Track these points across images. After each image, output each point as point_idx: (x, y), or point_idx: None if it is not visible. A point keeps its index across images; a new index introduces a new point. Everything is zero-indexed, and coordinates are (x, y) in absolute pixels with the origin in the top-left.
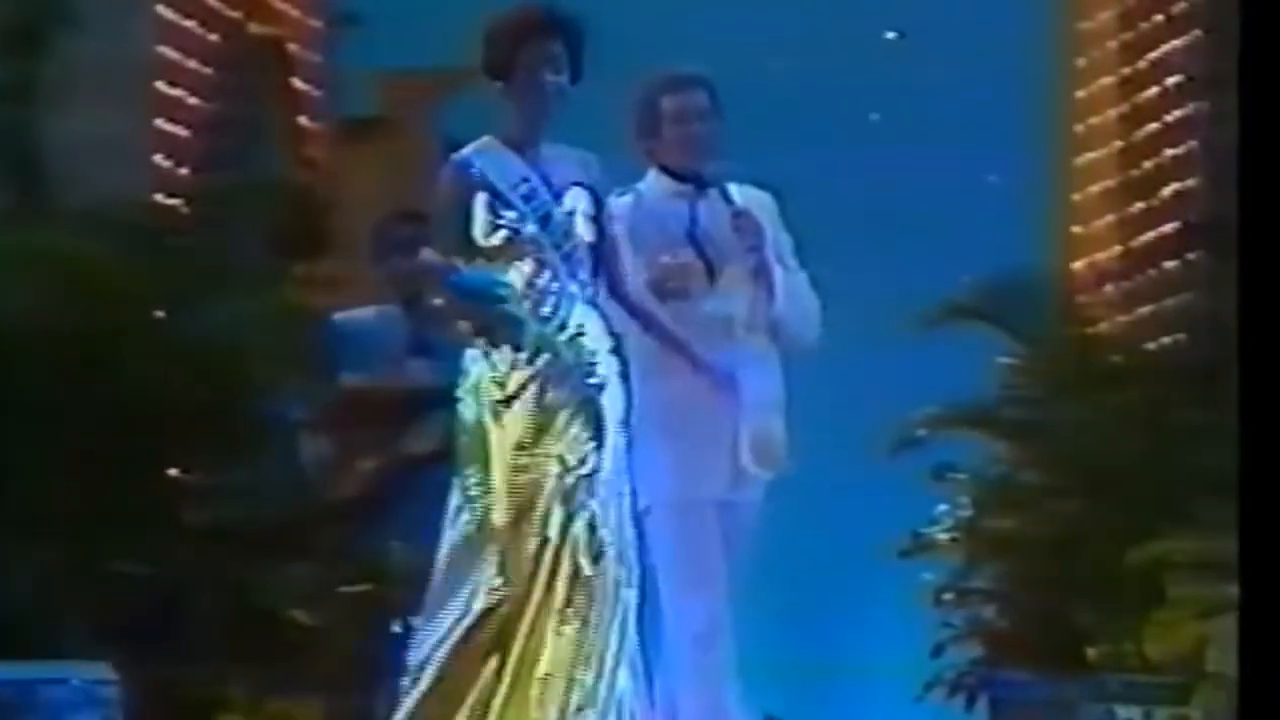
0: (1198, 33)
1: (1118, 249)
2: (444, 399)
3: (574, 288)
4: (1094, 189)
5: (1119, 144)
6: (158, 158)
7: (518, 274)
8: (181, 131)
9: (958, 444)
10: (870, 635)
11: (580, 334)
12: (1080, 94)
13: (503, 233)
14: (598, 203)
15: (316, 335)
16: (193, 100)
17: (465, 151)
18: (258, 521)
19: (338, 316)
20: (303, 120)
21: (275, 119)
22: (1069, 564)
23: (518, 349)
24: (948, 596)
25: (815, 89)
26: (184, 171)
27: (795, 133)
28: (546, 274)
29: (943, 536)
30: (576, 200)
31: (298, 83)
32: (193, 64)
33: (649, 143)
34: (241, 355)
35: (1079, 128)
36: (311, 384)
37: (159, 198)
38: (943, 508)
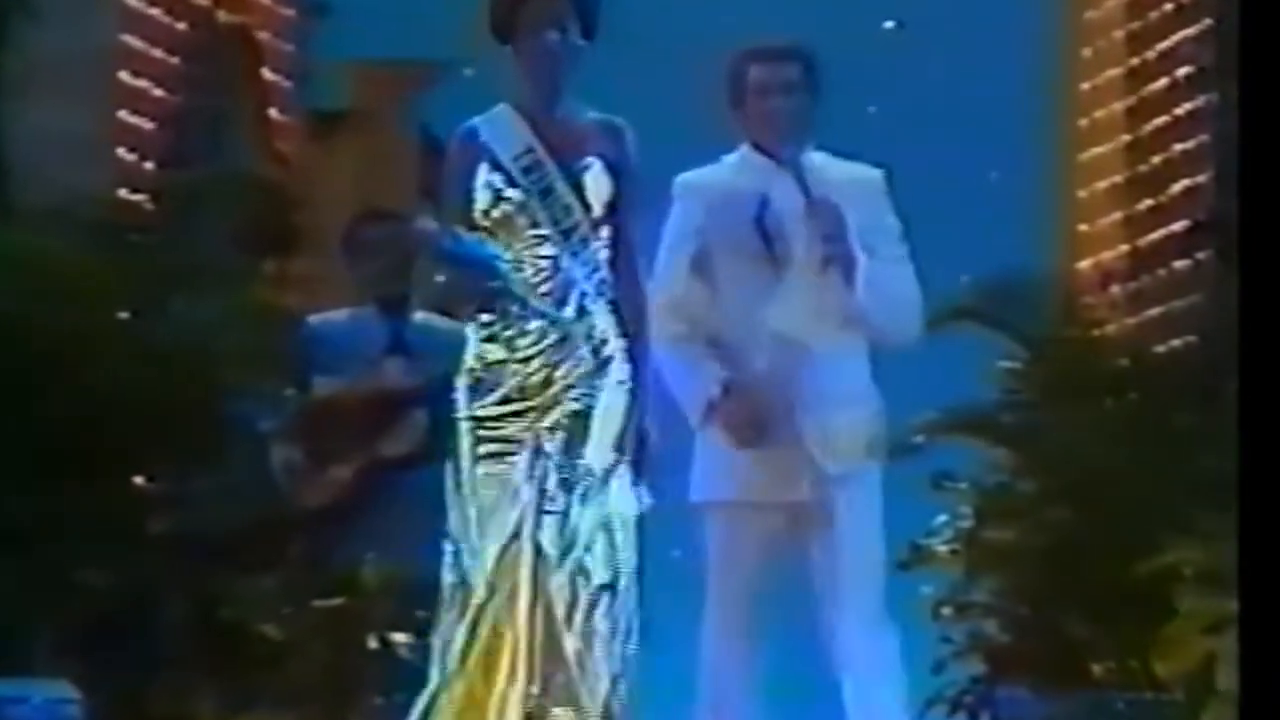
0: (1207, 22)
1: (1124, 248)
2: (421, 400)
3: (577, 270)
4: (1100, 185)
5: (1126, 138)
6: (121, 152)
7: (515, 249)
8: (146, 124)
9: (957, 451)
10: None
11: (584, 320)
12: (1085, 86)
13: (501, 206)
14: (617, 176)
15: (288, 336)
16: (158, 92)
17: (475, 120)
18: (226, 531)
19: (312, 318)
20: (273, 113)
21: (244, 111)
22: (1072, 577)
23: (519, 329)
24: (947, 610)
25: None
26: (149, 166)
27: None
28: (545, 251)
29: (942, 548)
30: (588, 173)
31: (268, 74)
32: (158, 54)
33: (737, 114)
34: (210, 357)
35: (1084, 121)
36: (282, 387)
37: (123, 193)
38: (942, 518)
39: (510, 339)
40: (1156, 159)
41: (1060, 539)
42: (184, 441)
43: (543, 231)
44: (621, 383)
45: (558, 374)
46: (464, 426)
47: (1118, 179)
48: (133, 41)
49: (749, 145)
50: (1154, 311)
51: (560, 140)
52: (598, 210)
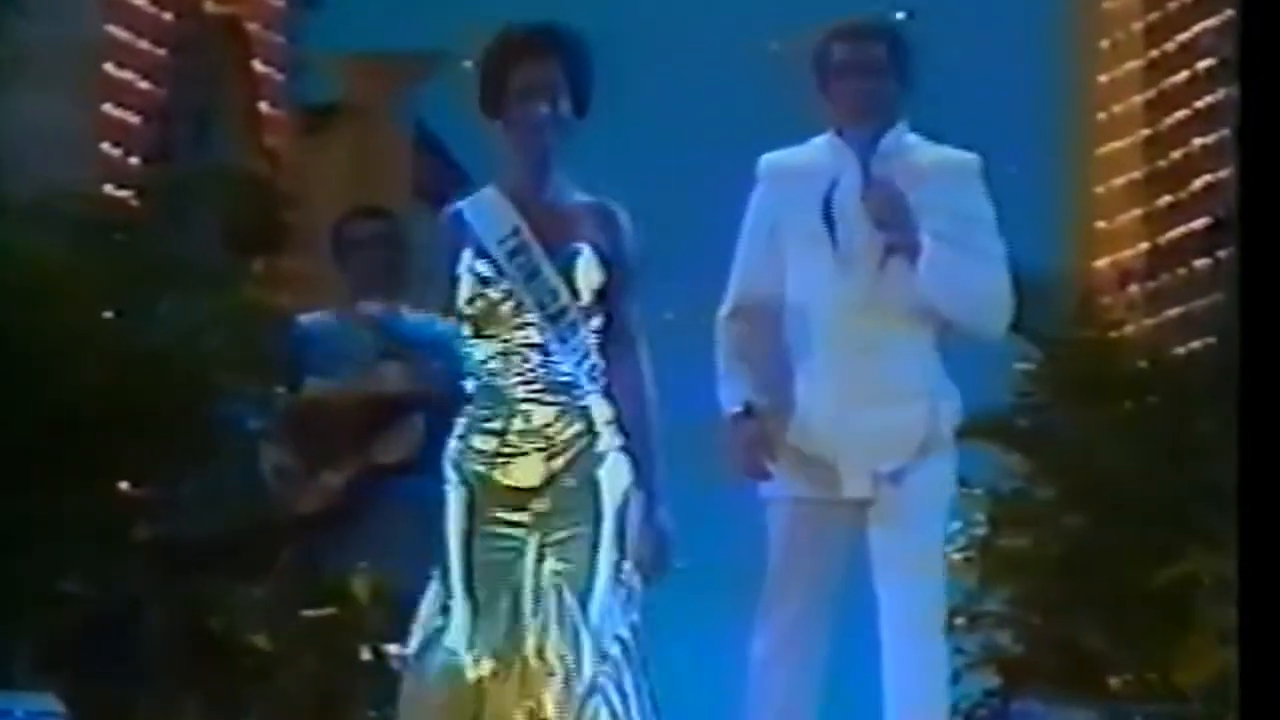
0: (1230, 13)
1: (1143, 246)
2: (417, 404)
3: (565, 356)
4: (1117, 181)
5: (1145, 132)
6: (106, 146)
7: (500, 338)
8: (132, 118)
9: (970, 456)
10: (879, 662)
11: (575, 409)
12: (1103, 78)
13: (485, 294)
14: (609, 264)
15: (278, 337)
16: (144, 84)
17: (460, 203)
18: (213, 538)
19: (303, 318)
20: (263, 106)
21: (233, 105)
22: (1088, 585)
23: (487, 416)
24: (960, 621)
25: None
26: (134, 161)
27: (796, 118)
28: (532, 338)
29: (955, 556)
30: (578, 259)
31: (257, 66)
32: (144, 45)
33: (823, 97)
34: (197, 358)
35: (1102, 115)
36: (272, 389)
37: (108, 189)
38: (955, 525)
39: (495, 432)
40: (1176, 154)
41: (1076, 546)
42: (170, 445)
43: (529, 318)
44: (619, 478)
45: (550, 467)
46: (455, 515)
47: (1136, 174)
48: (118, 32)
49: (834, 128)
50: (1174, 311)
51: (549, 223)
52: (586, 296)
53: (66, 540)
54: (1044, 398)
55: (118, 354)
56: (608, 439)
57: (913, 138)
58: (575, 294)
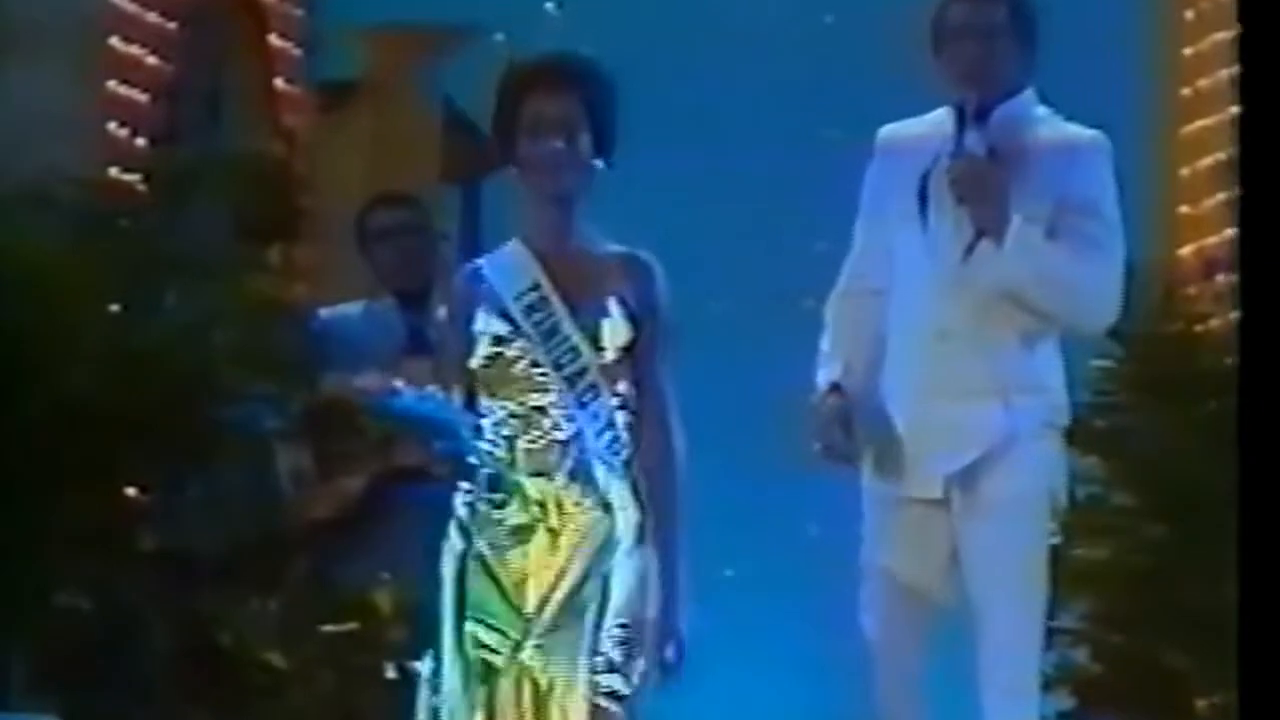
0: None
1: (1230, 233)
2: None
3: (584, 423)
4: (1203, 163)
5: (1233, 110)
6: (110, 127)
7: (513, 402)
8: (138, 96)
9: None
10: (949, 682)
11: (590, 487)
12: (1188, 52)
13: (500, 354)
14: (638, 321)
15: (294, 332)
16: (151, 60)
17: (481, 259)
18: (222, 548)
19: (323, 311)
20: (278, 84)
21: (247, 82)
22: (1170, 600)
23: (492, 489)
24: None
25: (881, 43)
26: (140, 143)
27: (876, 93)
28: (547, 401)
29: None
30: (602, 315)
31: (273, 40)
32: (152, 18)
33: (938, 63)
34: (206, 355)
35: (1187, 91)
36: (288, 388)
37: (112, 173)
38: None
39: (500, 506)
40: None
41: (1158, 558)
42: (177, 448)
43: (544, 378)
44: (635, 569)
45: (558, 554)
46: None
47: (1223, 155)
48: (123, 4)
49: (953, 99)
50: None
51: (573, 276)
52: (610, 354)
53: (65, 550)
54: (1123, 397)
55: (121, 351)
56: (625, 525)
57: (1041, 110)
58: (599, 352)
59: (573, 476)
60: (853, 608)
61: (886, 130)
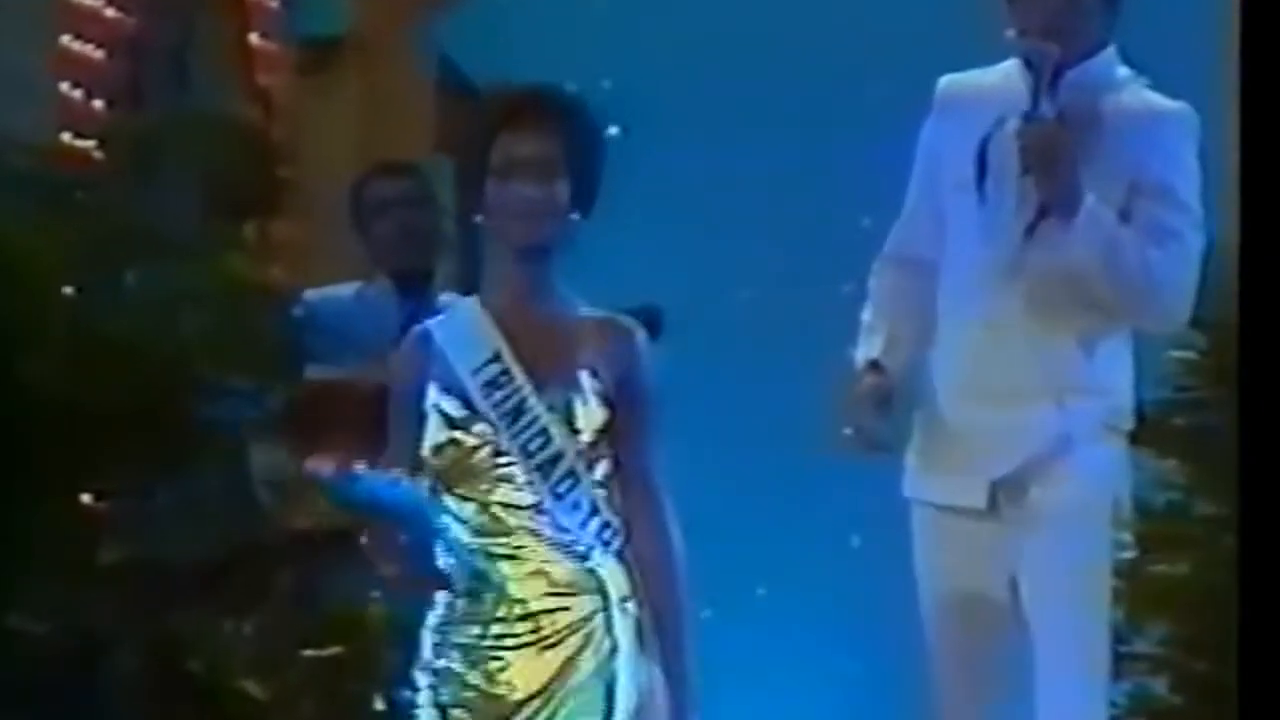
0: None
1: None
2: None
3: (564, 517)
4: None
5: None
6: (65, 87)
7: (478, 498)
8: (95, 53)
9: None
10: (1015, 714)
11: (567, 578)
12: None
13: (455, 440)
14: (617, 396)
15: (274, 317)
16: (111, 12)
17: (430, 321)
18: (195, 560)
19: (309, 294)
20: (256, 40)
21: (218, 37)
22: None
23: (468, 600)
24: None
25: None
26: (99, 105)
27: (935, 41)
28: (516, 496)
29: None
30: (574, 391)
31: None
32: None
33: (1009, 10)
34: (173, 344)
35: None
36: (268, 380)
37: (66, 139)
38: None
39: (479, 621)
40: None
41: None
42: (142, 449)
43: (511, 469)
44: (636, 678)
45: (550, 666)
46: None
47: None
48: None
49: (1022, 53)
50: None
51: (539, 345)
52: (587, 435)
53: (16, 564)
54: (1207, 393)
55: (77, 339)
56: (624, 627)
57: (1122, 71)
58: (575, 434)
59: (556, 577)
60: (901, 626)
61: (947, 81)
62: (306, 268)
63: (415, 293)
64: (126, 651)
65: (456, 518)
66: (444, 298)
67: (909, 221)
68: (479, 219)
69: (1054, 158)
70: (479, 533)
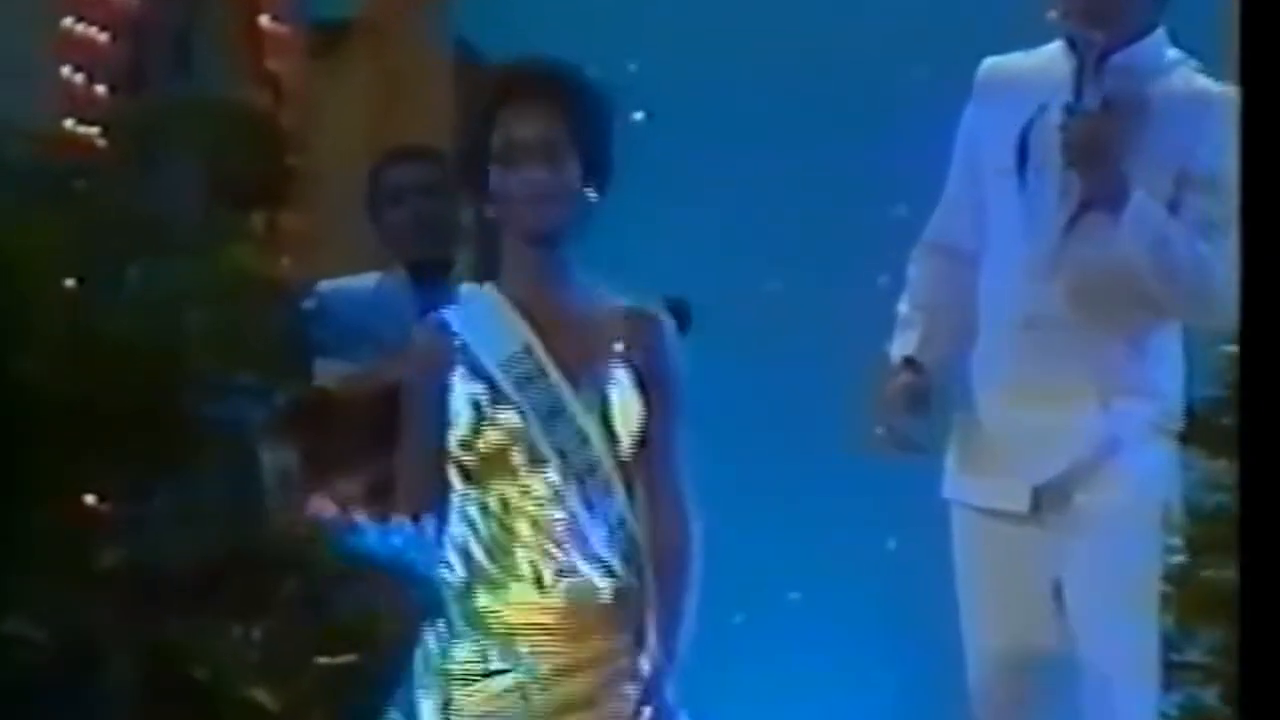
0: None
1: None
2: None
3: (592, 531)
4: None
5: None
6: (66, 71)
7: (506, 503)
8: (98, 35)
9: None
10: None
11: (584, 609)
12: None
13: (489, 432)
14: (648, 390)
15: (284, 311)
16: None
17: (444, 310)
18: (198, 566)
19: (321, 286)
20: (264, 21)
21: (225, 19)
22: None
23: (478, 615)
24: None
25: None
26: (101, 90)
27: (974, 22)
28: (551, 507)
29: None
30: (612, 385)
31: None
32: None
33: (1053, 1)
34: (177, 338)
35: None
36: (277, 377)
37: (67, 125)
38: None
39: (477, 682)
40: None
41: None
42: (144, 449)
43: (546, 473)
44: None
45: (566, 701)
46: None
47: None
48: None
49: (1064, 41)
50: None
51: (568, 336)
52: (626, 441)
53: (11, 568)
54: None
55: (77, 334)
56: (652, 650)
57: (1171, 54)
58: (613, 438)
59: (573, 606)
60: (938, 632)
61: (988, 65)
62: (318, 259)
63: (433, 285)
64: (127, 659)
65: (480, 523)
66: (463, 289)
67: (948, 209)
68: (487, 211)
69: (1098, 150)
70: (502, 544)
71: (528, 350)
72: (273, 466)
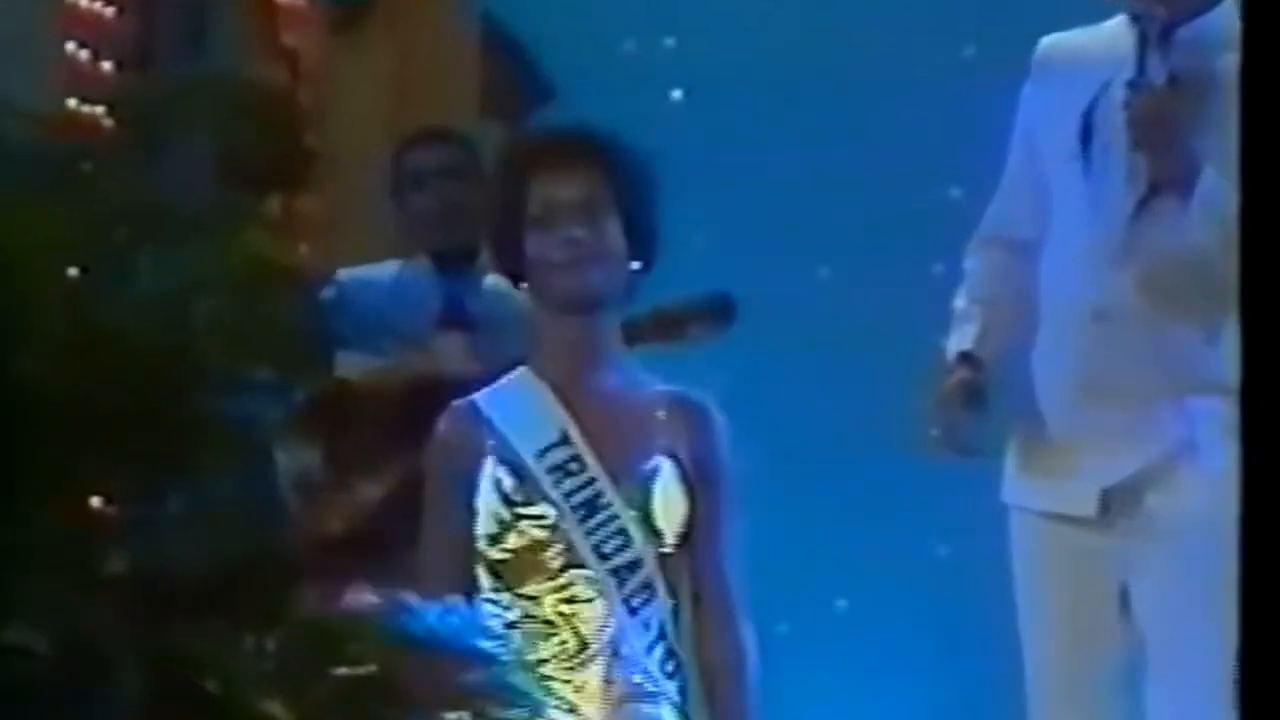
0: None
1: None
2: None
3: (634, 640)
4: None
5: None
6: (70, 47)
7: (540, 604)
8: (104, 9)
9: None
10: None
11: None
12: None
13: (521, 529)
14: (694, 486)
15: (300, 301)
16: None
17: (475, 395)
18: (209, 571)
19: (340, 275)
20: None
21: None
22: None
23: None
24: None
25: None
26: (107, 67)
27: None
28: (589, 610)
29: None
30: (655, 481)
31: None
32: None
33: None
34: (187, 330)
35: None
36: (293, 372)
37: (71, 104)
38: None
39: None
40: None
41: None
42: (153, 448)
43: (586, 573)
44: None
45: None
46: None
47: None
48: None
49: (1128, 7)
50: None
51: (608, 424)
52: (670, 538)
53: (14, 574)
54: None
55: (83, 327)
56: None
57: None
58: (657, 537)
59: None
60: (993, 643)
61: (1048, 42)
62: (336, 246)
63: (457, 274)
64: (134, 669)
65: (511, 628)
66: (488, 281)
67: (1007, 198)
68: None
69: (1165, 129)
70: (533, 649)
71: (565, 438)
72: (290, 466)
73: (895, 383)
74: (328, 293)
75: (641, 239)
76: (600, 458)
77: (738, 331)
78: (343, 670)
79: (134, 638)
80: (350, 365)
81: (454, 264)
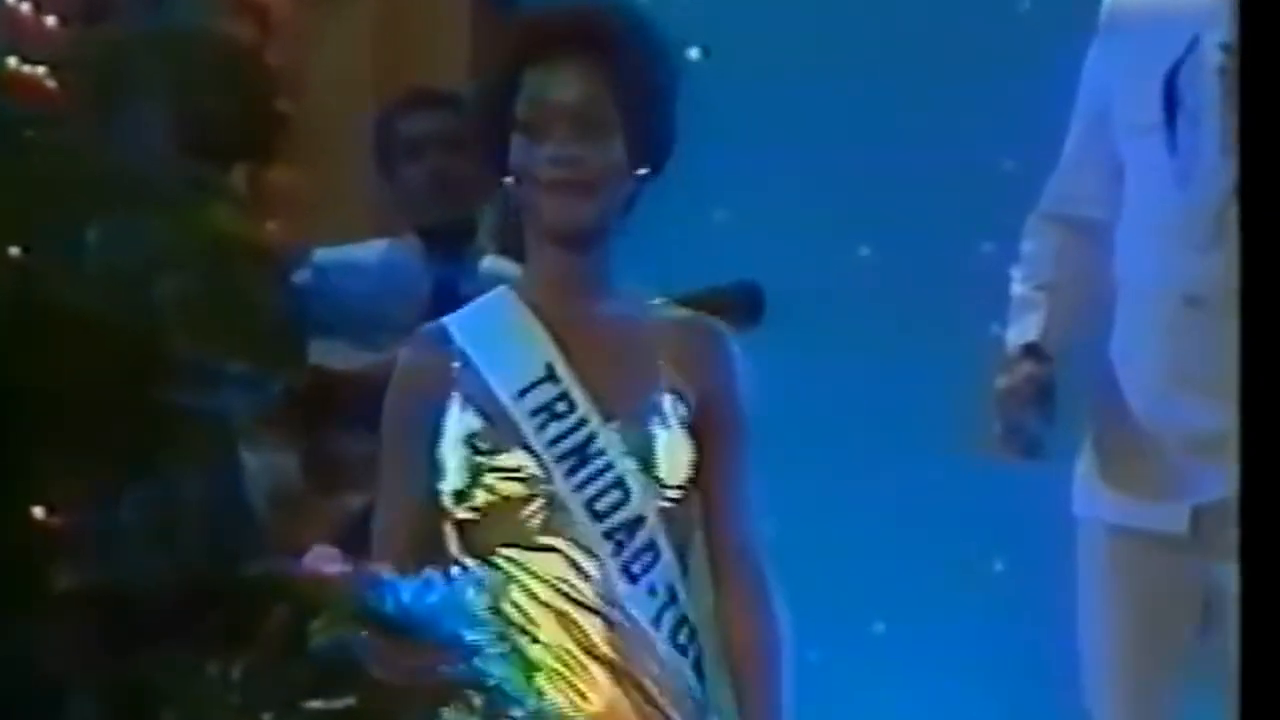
0: None
1: None
2: None
3: (633, 604)
4: None
5: None
6: (12, 1)
7: (520, 568)
8: None
9: None
10: None
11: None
12: None
13: (491, 482)
14: (703, 427)
15: (273, 282)
16: None
17: (449, 316)
18: (170, 589)
19: (319, 254)
20: None
21: None
22: None
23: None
24: None
25: None
26: (51, 21)
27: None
28: (571, 571)
29: None
30: (655, 420)
31: None
32: None
33: None
34: (145, 316)
35: None
36: (265, 361)
37: (11, 63)
38: None
39: None
40: None
41: None
42: (107, 449)
43: (573, 534)
44: None
45: None
46: None
47: None
48: None
49: None
50: None
51: (603, 356)
52: (672, 484)
53: None
54: None
55: (27, 310)
56: None
57: None
58: (659, 487)
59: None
60: (1053, 671)
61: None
62: (313, 223)
63: (449, 253)
64: (86, 699)
65: (489, 602)
66: (485, 262)
67: (1072, 173)
68: (508, 181)
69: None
70: (517, 626)
71: (550, 373)
72: (261, 469)
73: (943, 376)
74: (303, 274)
75: (653, 144)
76: (593, 395)
77: (765, 318)
78: (316, 704)
79: (86, 663)
80: (334, 356)
81: (447, 243)
